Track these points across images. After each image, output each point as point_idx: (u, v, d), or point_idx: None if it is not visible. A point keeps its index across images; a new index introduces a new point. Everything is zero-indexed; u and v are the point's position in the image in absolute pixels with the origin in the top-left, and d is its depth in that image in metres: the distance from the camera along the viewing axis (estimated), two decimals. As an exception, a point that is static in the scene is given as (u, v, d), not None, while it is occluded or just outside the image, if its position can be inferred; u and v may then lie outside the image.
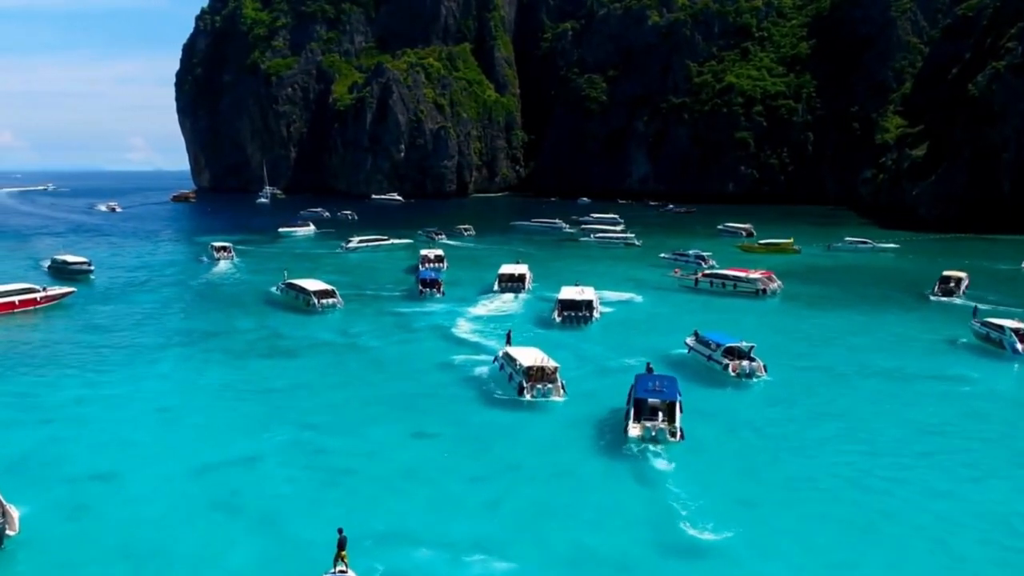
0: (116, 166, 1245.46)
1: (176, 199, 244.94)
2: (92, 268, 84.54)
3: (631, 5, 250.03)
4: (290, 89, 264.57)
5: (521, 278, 79.39)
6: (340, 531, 26.28)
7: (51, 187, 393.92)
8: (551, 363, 44.28)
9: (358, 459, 36.92)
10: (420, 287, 72.87)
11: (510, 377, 45.00)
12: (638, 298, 75.08)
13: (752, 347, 48.28)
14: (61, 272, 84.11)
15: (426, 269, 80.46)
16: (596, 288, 76.76)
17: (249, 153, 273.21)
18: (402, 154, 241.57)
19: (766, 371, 46.83)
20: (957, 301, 71.25)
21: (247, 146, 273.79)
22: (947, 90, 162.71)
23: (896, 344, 56.58)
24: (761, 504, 31.71)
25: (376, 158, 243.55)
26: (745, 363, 46.71)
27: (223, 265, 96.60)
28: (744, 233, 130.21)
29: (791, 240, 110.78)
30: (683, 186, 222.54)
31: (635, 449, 36.28)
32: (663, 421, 37.39)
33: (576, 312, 61.84)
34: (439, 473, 35.14)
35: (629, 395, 40.00)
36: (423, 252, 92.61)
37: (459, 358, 52.58)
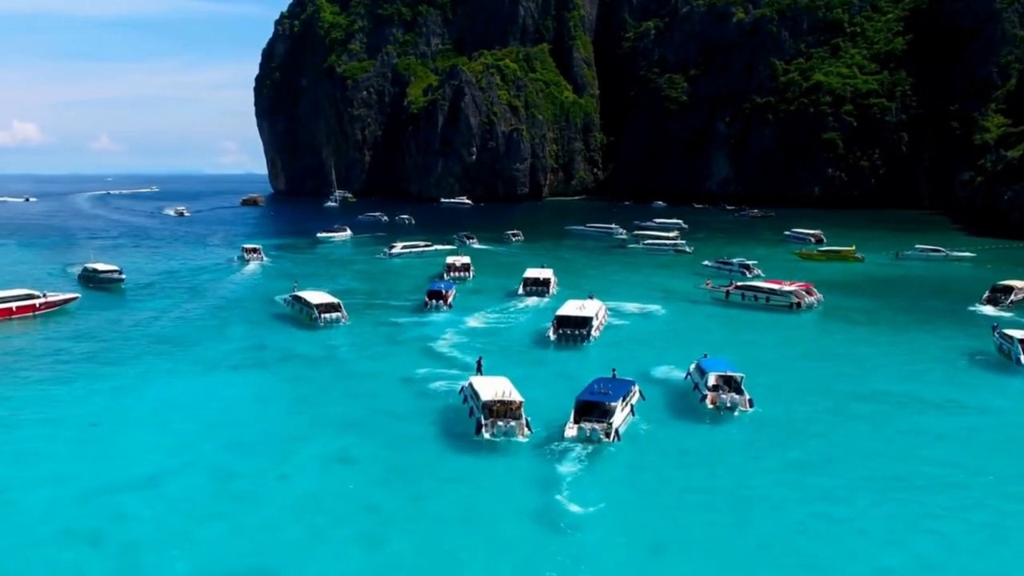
0: (209, 169, 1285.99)
1: (245, 203, 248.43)
2: (123, 277, 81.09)
3: (715, 2, 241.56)
4: (365, 92, 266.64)
5: (545, 282, 77.56)
6: None
7: (155, 188, 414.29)
8: (515, 397, 38.93)
9: (264, 483, 34.84)
10: (426, 299, 69.36)
11: (471, 411, 40.33)
12: (660, 311, 69.77)
13: (742, 377, 42.66)
14: (91, 281, 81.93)
15: (437, 280, 76.80)
16: (619, 299, 73.17)
17: (324, 156, 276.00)
18: (473, 157, 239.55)
19: (752, 405, 41.18)
20: (1006, 313, 64.97)
21: (322, 149, 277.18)
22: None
23: (918, 364, 51.56)
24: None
25: (447, 161, 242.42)
26: (725, 395, 41.22)
27: (251, 267, 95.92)
28: (813, 239, 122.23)
29: (853, 248, 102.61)
30: (765, 189, 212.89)
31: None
32: (598, 422, 37.25)
33: (573, 329, 56.98)
34: (336, 503, 32.62)
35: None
36: (449, 260, 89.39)
37: (424, 372, 49.47)
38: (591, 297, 65.35)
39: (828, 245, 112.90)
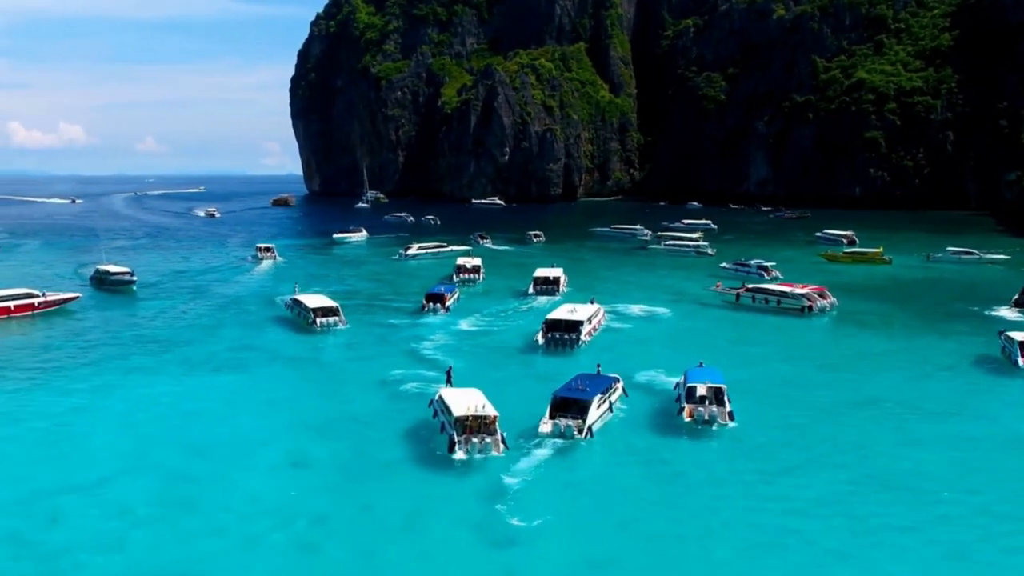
0: (252, 170, 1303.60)
1: (276, 203, 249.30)
2: (134, 279, 79.85)
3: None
4: (399, 93, 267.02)
5: (555, 281, 77.37)
6: None
7: (202, 189, 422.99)
8: (490, 411, 36.48)
9: (213, 487, 33.93)
10: (424, 302, 67.91)
11: (443, 427, 37.68)
12: (666, 314, 67.53)
13: (722, 388, 40.31)
14: (103, 282, 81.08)
15: (438, 283, 75.17)
16: (626, 301, 71.38)
17: (358, 157, 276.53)
18: (506, 157, 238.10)
19: (732, 418, 38.84)
20: None
21: (356, 150, 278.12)
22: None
23: (920, 370, 49.40)
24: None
25: (479, 161, 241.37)
26: (703, 408, 38.99)
27: (263, 266, 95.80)
28: (845, 241, 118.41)
29: (880, 249, 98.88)
30: (805, 190, 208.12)
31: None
32: (573, 418, 37.03)
33: (563, 334, 54.97)
34: (282, 508, 31.61)
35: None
36: (459, 261, 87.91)
37: (399, 374, 48.38)
38: (592, 301, 63.50)
39: (860, 247, 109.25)
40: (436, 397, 40.52)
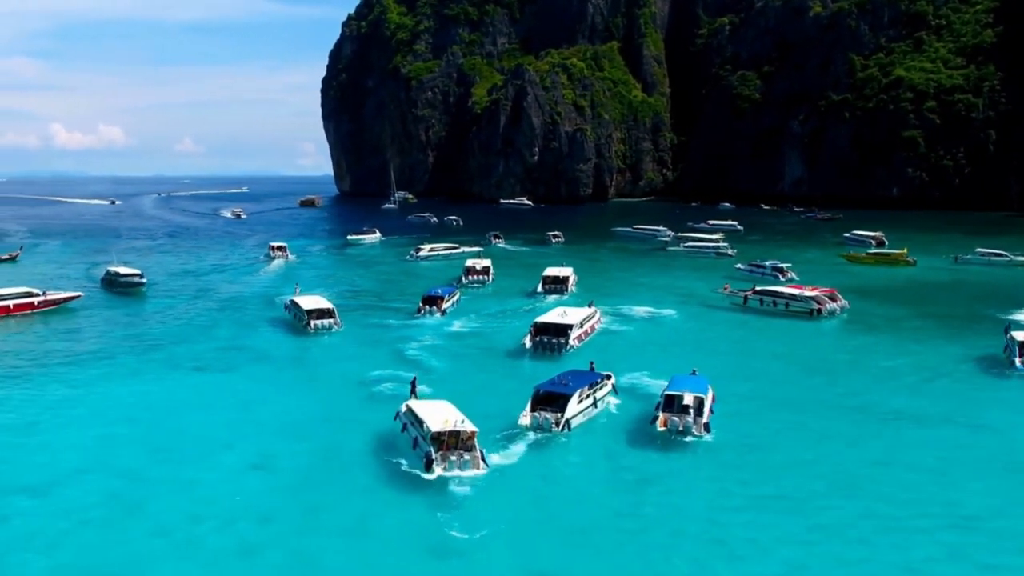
0: (288, 171, 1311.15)
1: (303, 204, 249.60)
2: (143, 281, 79.22)
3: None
4: (430, 93, 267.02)
5: (564, 280, 77.62)
6: None
7: (245, 189, 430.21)
8: (468, 426, 34.03)
9: (166, 489, 33.10)
10: (420, 304, 66.84)
11: (415, 443, 35.06)
12: (671, 316, 65.77)
13: (703, 398, 38.49)
14: (113, 284, 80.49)
15: (436, 286, 73.63)
16: (632, 302, 70.02)
17: (388, 157, 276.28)
18: (535, 157, 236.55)
19: (708, 430, 37.03)
20: None
21: (386, 150, 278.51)
22: None
23: (921, 375, 47.60)
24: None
25: (508, 161, 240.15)
26: (677, 418, 37.28)
27: (273, 266, 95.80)
28: (874, 242, 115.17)
29: (904, 251, 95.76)
30: (841, 191, 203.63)
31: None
32: (552, 412, 37.39)
33: (551, 338, 53.34)
34: (230, 511, 30.91)
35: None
36: (468, 263, 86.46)
37: (378, 374, 47.44)
38: (590, 305, 62.03)
39: (889, 248, 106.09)
40: (403, 409, 38.17)
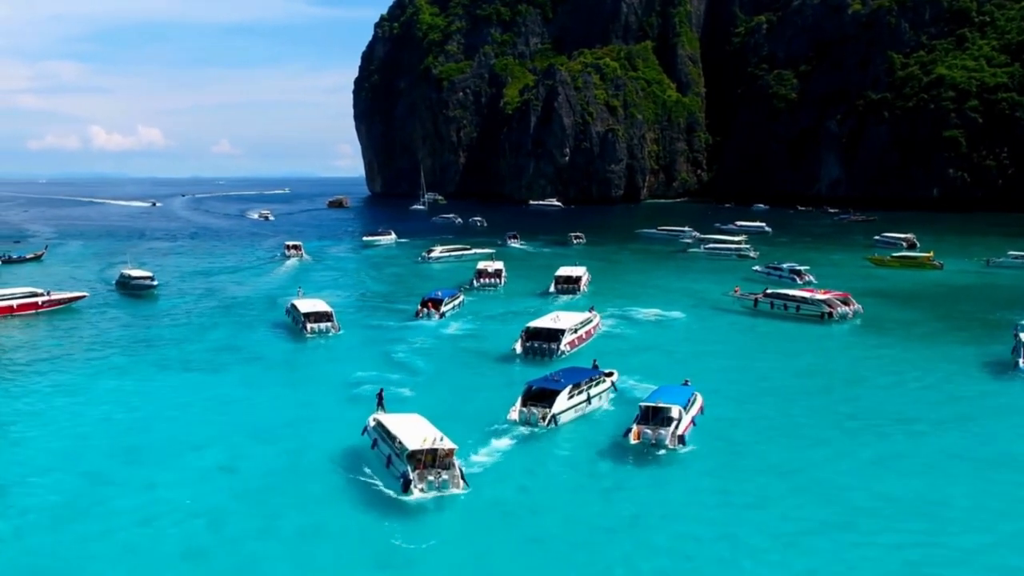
0: (324, 172, 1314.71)
1: (331, 205, 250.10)
2: (155, 283, 78.74)
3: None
4: (461, 94, 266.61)
5: (577, 280, 77.90)
6: None
7: (287, 190, 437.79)
8: (446, 444, 31.80)
9: (126, 492, 32.55)
10: (419, 307, 65.80)
11: (388, 461, 32.83)
12: (678, 319, 64.10)
13: (677, 410, 36.81)
14: (125, 287, 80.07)
15: (437, 288, 72.38)
16: (642, 305, 68.83)
17: (420, 158, 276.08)
18: (566, 158, 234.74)
19: (683, 442, 35.32)
20: None
21: (417, 151, 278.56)
22: None
23: (923, 380, 45.87)
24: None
25: (539, 162, 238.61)
26: (650, 430, 35.76)
27: (287, 265, 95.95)
28: (905, 244, 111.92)
29: (931, 254, 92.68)
30: (879, 191, 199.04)
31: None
32: (541, 407, 37.75)
33: (542, 343, 51.96)
34: (185, 514, 30.31)
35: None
36: (480, 265, 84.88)
37: (361, 375, 46.86)
38: (591, 309, 60.61)
39: (920, 251, 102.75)
40: (371, 424, 35.81)
